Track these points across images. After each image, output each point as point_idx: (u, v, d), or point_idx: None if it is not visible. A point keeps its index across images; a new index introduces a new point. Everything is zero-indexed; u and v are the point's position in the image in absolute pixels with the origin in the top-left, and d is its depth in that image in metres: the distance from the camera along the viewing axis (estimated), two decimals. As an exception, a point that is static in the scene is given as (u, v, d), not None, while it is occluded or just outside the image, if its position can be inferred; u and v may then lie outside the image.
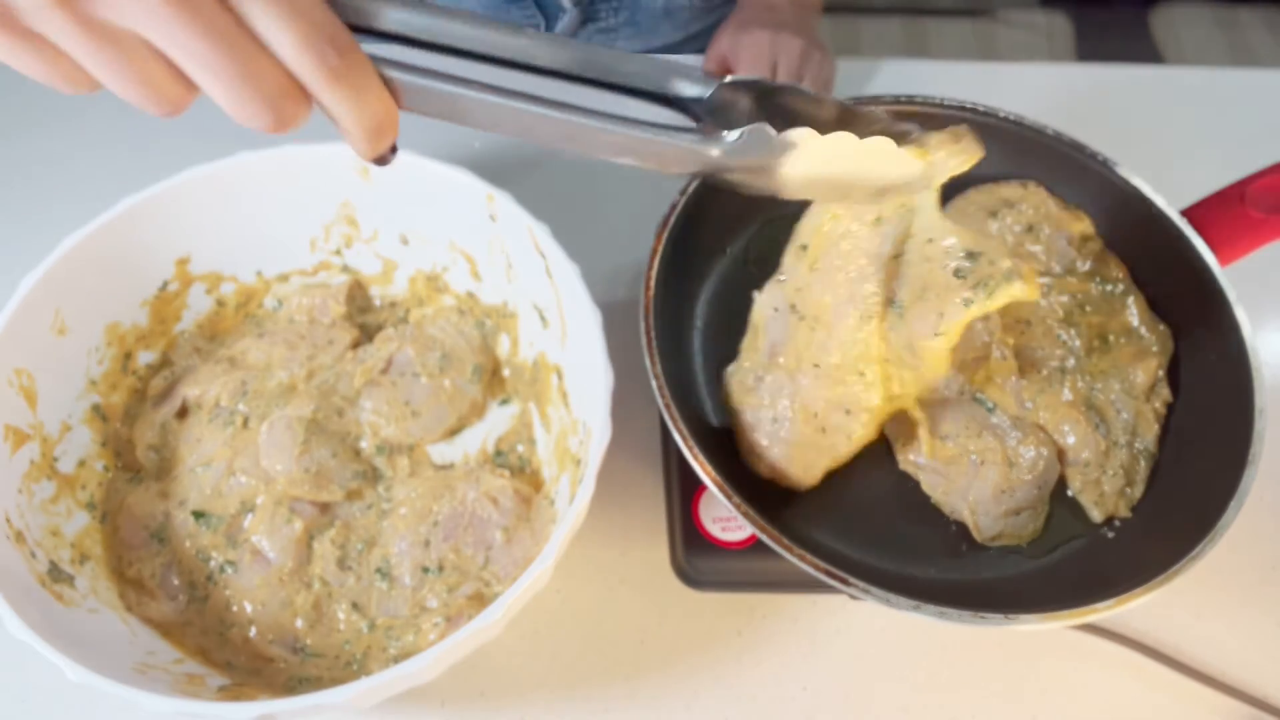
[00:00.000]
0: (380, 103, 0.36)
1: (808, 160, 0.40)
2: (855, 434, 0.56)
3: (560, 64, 0.40)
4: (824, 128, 0.40)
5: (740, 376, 0.58)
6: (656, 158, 0.40)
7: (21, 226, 0.75)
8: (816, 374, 0.55)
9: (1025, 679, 0.58)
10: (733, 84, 0.41)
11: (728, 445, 0.58)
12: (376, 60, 0.37)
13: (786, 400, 0.56)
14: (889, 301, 0.54)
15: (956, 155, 0.46)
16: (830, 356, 0.55)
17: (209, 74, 0.32)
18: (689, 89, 0.41)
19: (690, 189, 0.61)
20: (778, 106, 0.43)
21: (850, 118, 0.44)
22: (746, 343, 0.59)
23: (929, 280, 0.52)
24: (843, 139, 0.40)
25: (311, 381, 0.63)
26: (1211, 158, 0.81)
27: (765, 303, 0.57)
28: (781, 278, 0.57)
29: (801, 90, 0.43)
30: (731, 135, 0.39)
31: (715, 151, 0.39)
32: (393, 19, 0.38)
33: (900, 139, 0.44)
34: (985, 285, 0.50)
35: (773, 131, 0.39)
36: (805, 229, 0.56)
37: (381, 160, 0.39)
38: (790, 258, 0.57)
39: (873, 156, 0.41)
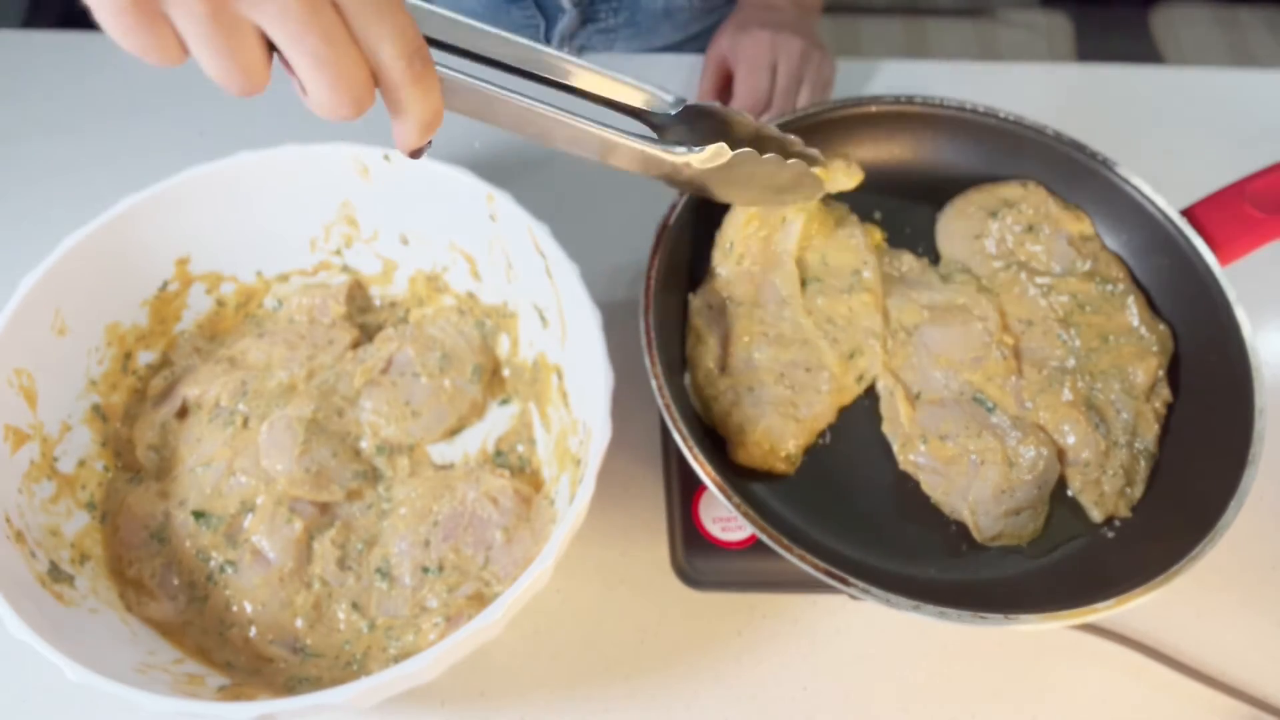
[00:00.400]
0: (439, 100, 0.41)
1: (741, 169, 0.53)
2: (822, 390, 0.58)
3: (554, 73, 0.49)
4: (754, 146, 0.53)
5: (701, 377, 0.59)
6: (640, 162, 0.51)
7: (21, 226, 0.75)
8: (769, 340, 0.59)
9: (1025, 679, 0.58)
10: (688, 108, 0.52)
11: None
12: None
13: (754, 370, 0.58)
14: (803, 282, 0.62)
15: (845, 174, 0.61)
16: (776, 328, 0.60)
17: (316, 69, 0.36)
18: (657, 106, 0.52)
19: (688, 191, 0.61)
20: (713, 126, 0.54)
21: (771, 139, 0.56)
22: (693, 349, 0.60)
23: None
24: (770, 158, 0.54)
25: (311, 381, 0.63)
26: (1211, 158, 0.81)
27: (701, 304, 0.61)
28: (719, 272, 0.62)
29: (730, 112, 0.54)
30: (703, 151, 0.51)
31: (693, 162, 0.51)
32: (432, 27, 0.46)
33: (810, 160, 0.58)
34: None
35: (729, 150, 0.51)
36: (729, 232, 0.62)
37: (419, 152, 0.43)
38: (719, 255, 0.62)
39: (788, 171, 0.56)
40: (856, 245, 0.63)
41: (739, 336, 0.59)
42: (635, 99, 0.51)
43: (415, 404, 0.63)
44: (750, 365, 0.59)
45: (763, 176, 0.56)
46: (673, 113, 0.51)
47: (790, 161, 0.56)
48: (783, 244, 0.62)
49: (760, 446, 0.56)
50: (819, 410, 0.58)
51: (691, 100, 0.52)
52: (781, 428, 0.57)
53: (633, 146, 0.50)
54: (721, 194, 0.57)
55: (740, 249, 0.61)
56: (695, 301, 0.61)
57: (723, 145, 0.51)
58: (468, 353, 0.64)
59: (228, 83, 0.37)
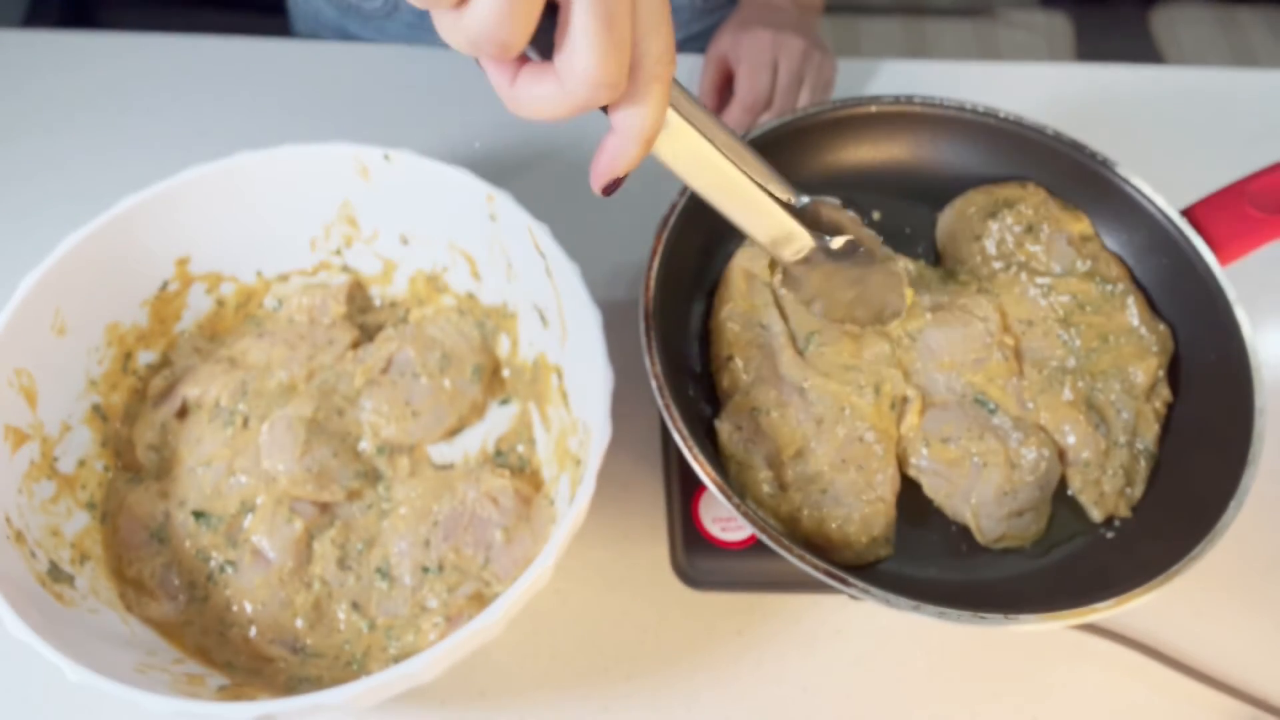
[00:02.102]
0: (664, 115, 0.39)
1: (855, 271, 0.56)
2: (879, 451, 0.57)
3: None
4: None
5: (767, 499, 0.56)
6: (784, 235, 0.50)
7: (21, 226, 0.75)
8: (814, 434, 0.57)
9: (1025, 679, 0.58)
10: (811, 205, 0.51)
11: (728, 445, 0.58)
12: None
13: (818, 473, 0.56)
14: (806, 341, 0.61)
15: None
16: (811, 415, 0.57)
17: (601, 32, 0.34)
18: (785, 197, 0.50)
19: (690, 190, 0.61)
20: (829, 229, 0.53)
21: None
22: (739, 476, 0.56)
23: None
24: (883, 265, 0.57)
25: (311, 381, 0.63)
26: (1211, 158, 0.81)
27: (730, 429, 0.57)
28: (733, 393, 0.59)
29: (847, 223, 0.53)
30: (837, 241, 0.52)
31: (823, 244, 0.52)
32: None
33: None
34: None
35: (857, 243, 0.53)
36: (722, 349, 0.61)
37: (612, 188, 0.41)
38: (728, 379, 0.60)
39: (895, 279, 0.59)
40: None
41: (785, 449, 0.57)
42: (772, 185, 0.49)
43: (415, 404, 0.63)
44: (810, 470, 0.56)
45: (865, 278, 0.57)
46: (796, 206, 0.50)
47: (897, 266, 0.58)
48: (771, 336, 0.60)
49: (860, 542, 0.55)
50: (890, 473, 0.56)
51: (815, 197, 0.51)
52: (871, 514, 0.55)
53: (787, 220, 0.49)
54: (815, 294, 0.57)
55: (741, 359, 0.59)
56: (724, 428, 0.57)
57: (851, 235, 0.52)
58: (468, 353, 0.64)
59: (495, 31, 0.33)
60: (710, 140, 0.43)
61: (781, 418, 0.57)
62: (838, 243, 0.52)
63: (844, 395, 0.58)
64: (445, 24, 0.34)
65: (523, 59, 0.36)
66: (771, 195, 0.48)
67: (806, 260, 0.52)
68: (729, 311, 0.61)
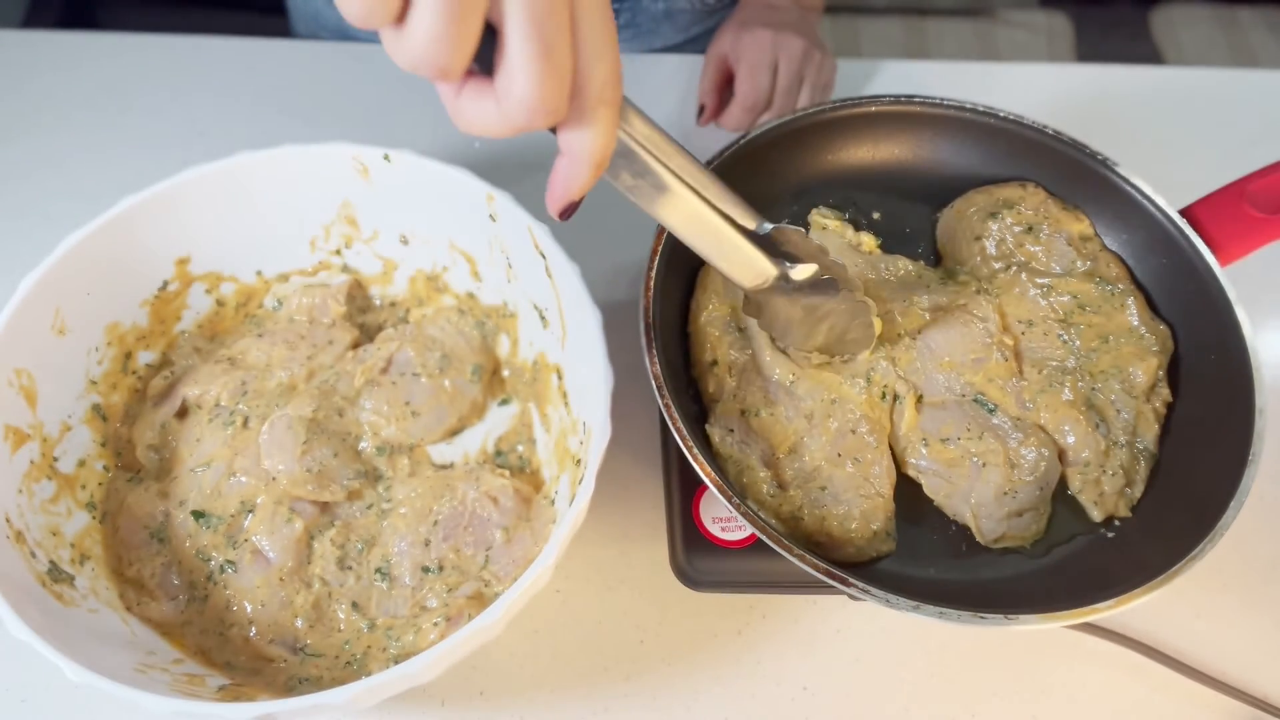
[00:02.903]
0: (614, 140, 0.39)
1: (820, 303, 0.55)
2: (872, 442, 0.57)
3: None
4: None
5: (767, 500, 0.56)
6: (745, 266, 0.49)
7: (21, 226, 0.75)
8: (807, 430, 0.57)
9: (1025, 679, 0.58)
10: (775, 232, 0.50)
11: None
12: None
13: (814, 469, 0.56)
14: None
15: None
16: (801, 411, 0.57)
17: (539, 59, 0.34)
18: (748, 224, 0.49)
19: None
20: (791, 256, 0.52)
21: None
22: (738, 477, 0.56)
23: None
24: (847, 294, 0.55)
25: (311, 381, 0.63)
26: (1211, 158, 0.81)
27: (722, 433, 0.57)
28: (719, 397, 0.59)
29: (810, 251, 0.52)
30: (801, 271, 0.51)
31: (793, 275, 0.51)
32: None
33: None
34: None
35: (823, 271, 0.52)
36: (705, 354, 0.60)
37: (568, 212, 0.41)
38: (713, 383, 0.60)
39: (861, 309, 0.56)
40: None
41: (779, 448, 0.57)
42: (733, 210, 0.48)
43: (415, 404, 0.63)
44: (807, 467, 0.56)
45: (831, 309, 0.55)
46: (759, 233, 0.49)
47: (861, 298, 0.55)
48: (751, 336, 0.60)
49: (862, 537, 0.55)
50: (886, 464, 0.57)
51: (778, 225, 0.50)
52: (871, 508, 0.55)
53: (748, 248, 0.48)
54: (777, 320, 0.56)
55: (723, 363, 0.59)
56: (715, 432, 0.57)
57: (816, 266, 0.51)
58: (468, 353, 0.64)
59: (433, 56, 0.34)
60: (667, 166, 0.43)
61: (771, 417, 0.58)
62: (801, 273, 0.51)
63: (833, 385, 0.58)
64: (388, 41, 0.35)
65: (470, 72, 0.36)
66: (732, 222, 0.47)
67: (769, 288, 0.52)
68: (708, 316, 0.61)
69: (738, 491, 0.54)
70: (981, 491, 0.57)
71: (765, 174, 0.66)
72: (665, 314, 0.59)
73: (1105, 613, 0.49)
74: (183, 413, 0.62)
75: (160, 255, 0.61)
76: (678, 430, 0.52)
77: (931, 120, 0.68)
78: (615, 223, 0.72)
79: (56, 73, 0.83)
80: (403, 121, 0.81)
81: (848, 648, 0.59)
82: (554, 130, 0.38)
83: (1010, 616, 0.49)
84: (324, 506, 0.59)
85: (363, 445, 0.62)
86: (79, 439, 0.58)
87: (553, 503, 0.59)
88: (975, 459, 0.57)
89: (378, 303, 0.68)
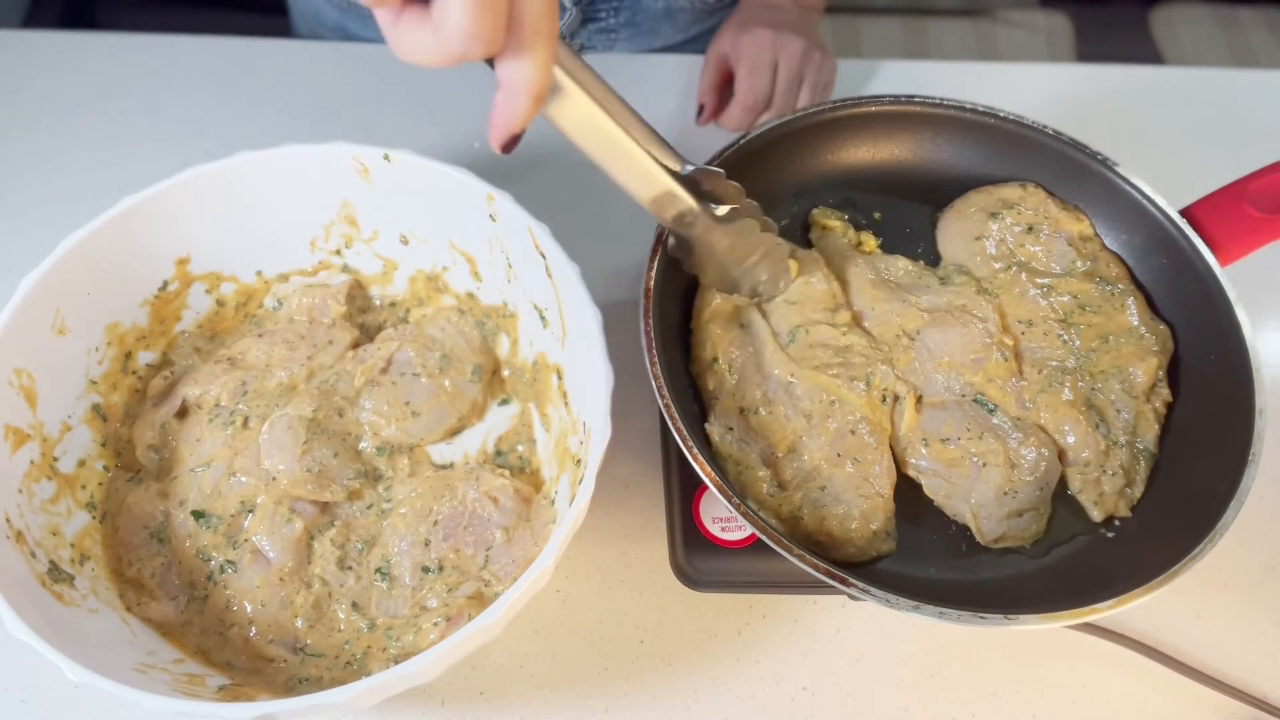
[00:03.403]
0: (552, 71, 0.40)
1: (739, 236, 0.57)
2: (871, 442, 0.57)
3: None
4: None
5: (767, 499, 0.56)
6: (664, 198, 0.52)
7: (21, 226, 0.75)
8: (806, 430, 0.57)
9: (1025, 679, 0.58)
10: (696, 172, 0.53)
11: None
12: None
13: (814, 468, 0.56)
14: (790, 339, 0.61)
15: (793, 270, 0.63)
16: (801, 410, 0.57)
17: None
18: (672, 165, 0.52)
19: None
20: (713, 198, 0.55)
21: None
22: (738, 477, 0.57)
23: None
24: (769, 235, 0.59)
25: (311, 381, 0.63)
26: (1211, 158, 0.81)
27: (722, 431, 0.58)
28: (719, 396, 0.60)
29: (730, 192, 0.55)
30: (721, 209, 0.54)
31: (707, 210, 0.54)
32: None
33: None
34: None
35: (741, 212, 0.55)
36: (706, 352, 0.61)
37: (514, 142, 0.42)
38: (713, 381, 0.60)
39: (780, 249, 0.61)
40: (816, 292, 0.62)
41: (778, 447, 0.57)
42: (657, 150, 0.50)
43: (415, 404, 0.63)
44: (806, 466, 0.56)
45: (751, 249, 0.59)
46: (682, 174, 0.52)
47: (780, 242, 0.59)
48: (753, 334, 0.61)
49: (862, 537, 0.55)
50: (886, 465, 0.57)
51: (700, 166, 0.53)
52: (870, 508, 0.55)
53: (643, 157, 0.49)
54: (703, 261, 0.58)
55: (724, 361, 0.59)
56: (714, 430, 0.57)
57: (736, 207, 0.54)
58: (468, 353, 0.64)
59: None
60: (598, 103, 0.45)
61: (770, 415, 0.58)
62: (722, 210, 0.54)
63: (832, 388, 0.58)
64: None
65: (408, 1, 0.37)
66: (656, 160, 0.50)
67: (692, 225, 0.54)
68: (711, 313, 0.61)
69: (737, 491, 0.54)
70: (981, 491, 0.57)
71: (765, 174, 0.66)
72: (665, 314, 0.59)
73: (1105, 613, 0.49)
74: (183, 413, 0.62)
75: (160, 255, 0.61)
76: (678, 430, 0.52)
77: (931, 120, 0.68)
78: (615, 223, 0.72)
79: (56, 73, 0.83)
80: (403, 121, 0.81)
81: (848, 648, 0.59)
82: (491, 65, 0.39)
83: (1010, 616, 0.49)
84: (324, 506, 0.59)
85: (363, 445, 0.62)
86: (79, 439, 0.58)
87: (553, 503, 0.59)
88: (975, 459, 0.57)
89: (378, 303, 0.68)
